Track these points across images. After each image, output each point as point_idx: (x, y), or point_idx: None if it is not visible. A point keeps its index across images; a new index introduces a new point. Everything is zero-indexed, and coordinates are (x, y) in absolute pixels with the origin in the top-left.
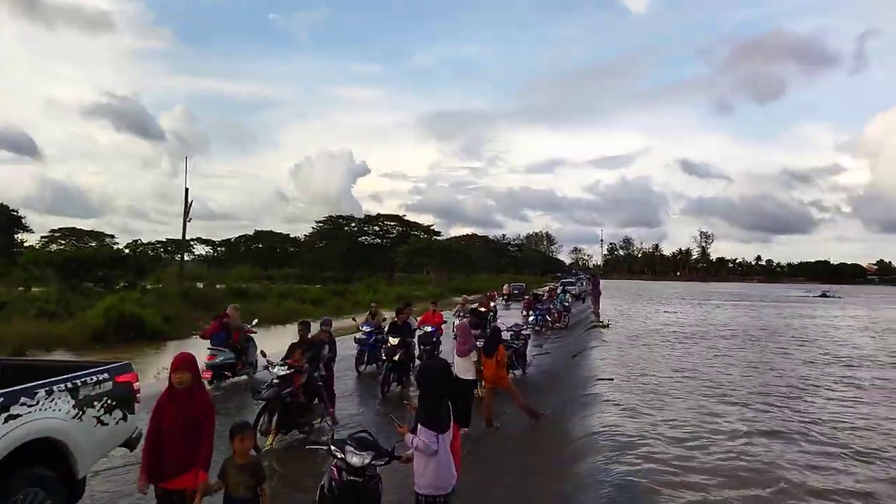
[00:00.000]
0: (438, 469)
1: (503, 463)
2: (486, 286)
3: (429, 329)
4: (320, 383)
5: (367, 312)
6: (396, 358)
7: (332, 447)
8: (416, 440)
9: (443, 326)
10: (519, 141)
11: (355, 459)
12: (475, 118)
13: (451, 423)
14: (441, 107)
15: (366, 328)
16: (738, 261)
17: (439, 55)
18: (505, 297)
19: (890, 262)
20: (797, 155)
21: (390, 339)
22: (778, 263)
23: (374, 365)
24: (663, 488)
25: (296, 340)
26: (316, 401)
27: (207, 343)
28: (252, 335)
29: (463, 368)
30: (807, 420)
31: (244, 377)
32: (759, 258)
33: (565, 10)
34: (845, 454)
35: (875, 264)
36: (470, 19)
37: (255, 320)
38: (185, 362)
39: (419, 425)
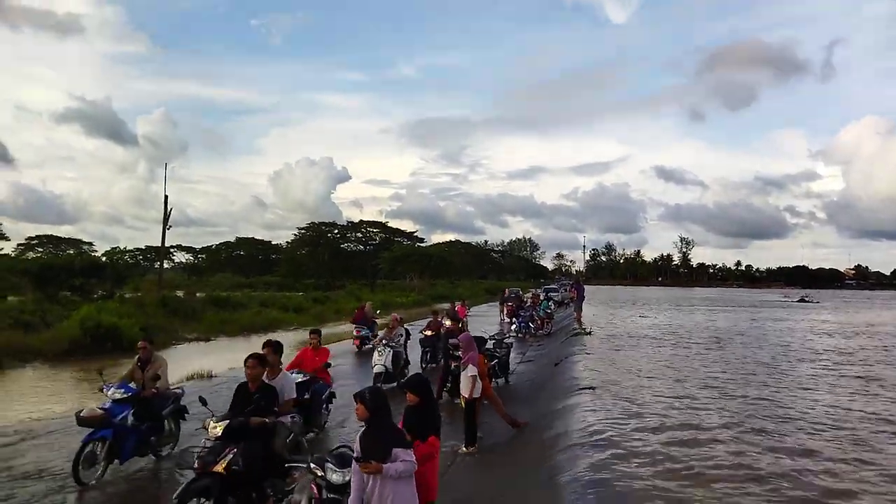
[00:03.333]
0: (413, 490)
1: (484, 474)
2: (469, 292)
3: (299, 378)
4: None
5: (135, 359)
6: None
7: (312, 464)
8: (397, 466)
9: (329, 371)
10: (499, 148)
11: (335, 477)
12: (456, 125)
13: (433, 443)
14: (422, 114)
15: (116, 391)
16: (718, 266)
17: (420, 63)
18: (505, 299)
19: (867, 268)
20: (770, 162)
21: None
22: (757, 269)
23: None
24: (641, 500)
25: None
26: None
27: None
28: (376, 321)
29: (462, 384)
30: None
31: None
32: (738, 263)
33: (545, 20)
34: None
35: (853, 269)
36: (451, 28)
37: (378, 311)
38: None
39: (394, 449)
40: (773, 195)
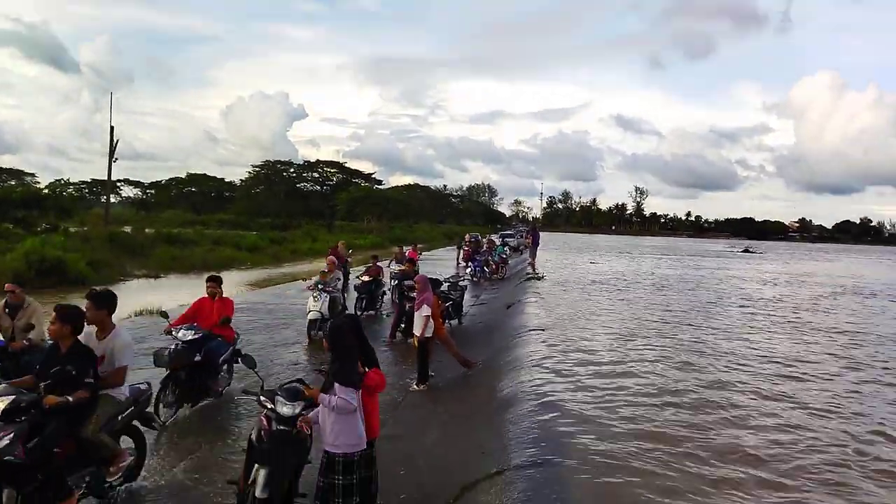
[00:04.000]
0: (355, 426)
1: (435, 411)
2: (427, 236)
3: (189, 336)
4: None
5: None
6: None
7: (262, 397)
8: (333, 399)
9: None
10: (460, 90)
11: (286, 409)
12: (417, 65)
13: (373, 375)
14: (383, 51)
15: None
16: (669, 216)
17: None
18: (466, 244)
19: (810, 221)
20: (726, 113)
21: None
22: (706, 220)
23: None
24: (584, 434)
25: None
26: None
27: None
28: (349, 259)
29: (416, 324)
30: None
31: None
32: (689, 214)
33: None
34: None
35: (797, 222)
36: None
37: (351, 250)
38: None
39: (335, 384)
40: (725, 147)
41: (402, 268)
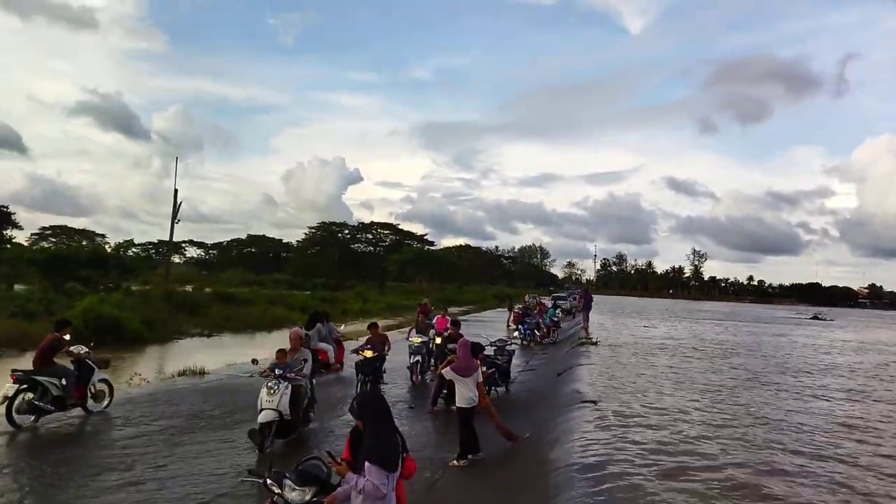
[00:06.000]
0: None
1: (476, 493)
2: (477, 298)
3: None
4: None
5: None
6: None
7: (269, 480)
8: (362, 481)
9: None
10: (511, 154)
11: (294, 495)
12: (468, 130)
13: (409, 462)
14: (435, 117)
15: None
16: (730, 280)
17: (433, 65)
18: (520, 307)
19: (881, 287)
20: (783, 177)
21: None
22: (770, 284)
23: None
24: None
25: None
26: None
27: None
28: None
29: (462, 394)
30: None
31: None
32: (751, 278)
33: (559, 25)
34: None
35: (867, 288)
36: (464, 30)
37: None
38: None
39: (367, 463)
40: (785, 210)
41: (424, 339)
